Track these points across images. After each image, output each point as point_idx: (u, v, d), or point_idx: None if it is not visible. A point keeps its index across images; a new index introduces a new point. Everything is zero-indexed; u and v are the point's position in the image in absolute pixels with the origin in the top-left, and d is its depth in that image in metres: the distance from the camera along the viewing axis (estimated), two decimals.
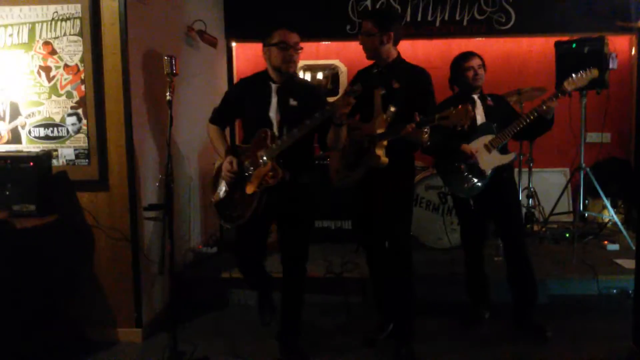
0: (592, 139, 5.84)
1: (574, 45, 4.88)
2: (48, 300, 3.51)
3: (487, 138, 3.63)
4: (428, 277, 4.29)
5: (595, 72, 3.55)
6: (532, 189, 5.48)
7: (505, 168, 3.71)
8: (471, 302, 3.99)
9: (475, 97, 3.72)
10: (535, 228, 5.51)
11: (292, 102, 3.22)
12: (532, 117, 3.52)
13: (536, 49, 6.07)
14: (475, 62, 3.69)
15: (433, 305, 4.13)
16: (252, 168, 3.18)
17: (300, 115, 3.10)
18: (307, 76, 6.26)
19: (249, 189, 3.16)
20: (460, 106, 2.93)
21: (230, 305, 4.40)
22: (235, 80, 6.23)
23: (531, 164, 5.45)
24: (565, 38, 5.09)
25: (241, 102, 3.32)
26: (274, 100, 3.22)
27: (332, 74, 6.29)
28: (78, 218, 3.68)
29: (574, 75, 3.53)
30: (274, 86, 3.25)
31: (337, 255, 4.70)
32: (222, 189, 3.33)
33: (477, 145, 3.64)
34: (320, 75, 6.29)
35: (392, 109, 3.24)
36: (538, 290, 3.78)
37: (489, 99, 3.74)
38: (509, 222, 3.73)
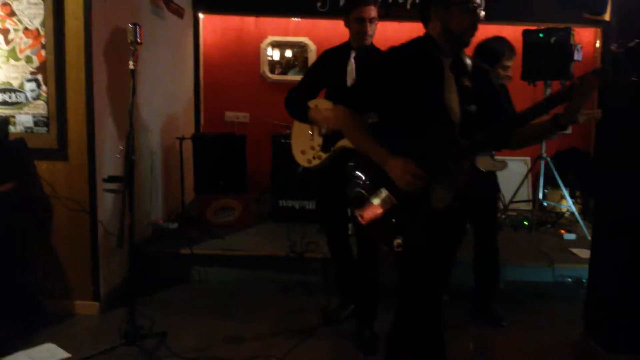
0: None
1: (541, 35, 4.94)
2: (3, 270, 3.42)
3: None
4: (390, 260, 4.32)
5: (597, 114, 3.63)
6: None
7: None
8: None
9: None
10: None
11: (467, 83, 2.35)
12: None
13: (504, 36, 6.09)
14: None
15: (393, 287, 4.17)
16: (436, 174, 2.29)
17: (473, 102, 2.35)
18: (276, 53, 6.19)
19: (440, 203, 2.30)
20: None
21: (190, 282, 4.35)
22: (201, 53, 6.11)
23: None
24: (533, 27, 5.14)
25: (400, 81, 2.32)
26: (450, 80, 2.33)
27: (301, 52, 6.23)
28: (35, 187, 3.58)
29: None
30: (446, 60, 2.34)
31: (299, 235, 4.68)
32: (381, 203, 2.36)
33: None
34: (289, 53, 6.22)
35: None
36: (500, 278, 3.84)
37: None
38: (483, 211, 3.74)
